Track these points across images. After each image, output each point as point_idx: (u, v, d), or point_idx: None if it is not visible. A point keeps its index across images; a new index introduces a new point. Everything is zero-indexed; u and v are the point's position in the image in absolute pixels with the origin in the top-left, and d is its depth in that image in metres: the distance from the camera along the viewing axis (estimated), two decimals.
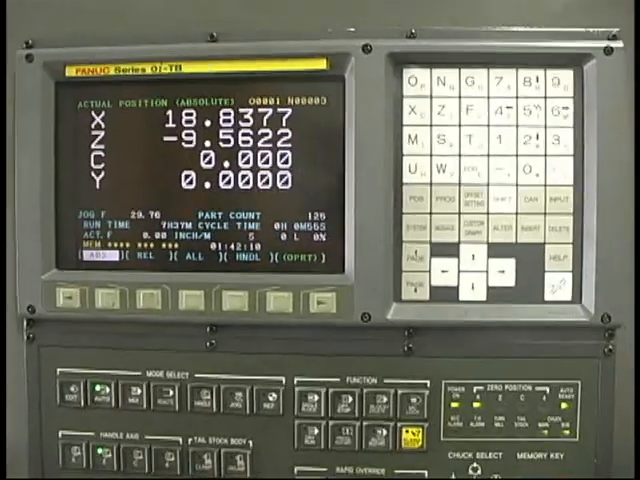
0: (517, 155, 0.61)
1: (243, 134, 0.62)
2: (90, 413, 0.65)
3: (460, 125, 0.61)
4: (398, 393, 0.62)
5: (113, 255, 0.64)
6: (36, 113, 0.62)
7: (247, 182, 0.62)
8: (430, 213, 0.61)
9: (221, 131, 0.62)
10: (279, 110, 0.62)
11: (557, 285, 0.61)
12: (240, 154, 0.62)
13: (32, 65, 0.62)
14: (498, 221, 0.61)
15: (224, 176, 0.63)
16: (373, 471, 0.64)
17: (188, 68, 0.62)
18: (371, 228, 0.60)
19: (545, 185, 0.61)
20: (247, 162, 0.62)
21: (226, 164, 0.62)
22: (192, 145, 0.63)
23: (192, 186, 0.63)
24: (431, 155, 0.61)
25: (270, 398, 0.64)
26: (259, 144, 0.62)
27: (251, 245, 0.63)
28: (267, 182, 0.62)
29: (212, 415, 0.64)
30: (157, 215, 0.63)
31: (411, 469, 0.63)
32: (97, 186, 0.64)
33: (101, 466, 0.65)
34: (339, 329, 0.62)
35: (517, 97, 0.61)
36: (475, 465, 0.63)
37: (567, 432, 0.62)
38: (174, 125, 0.63)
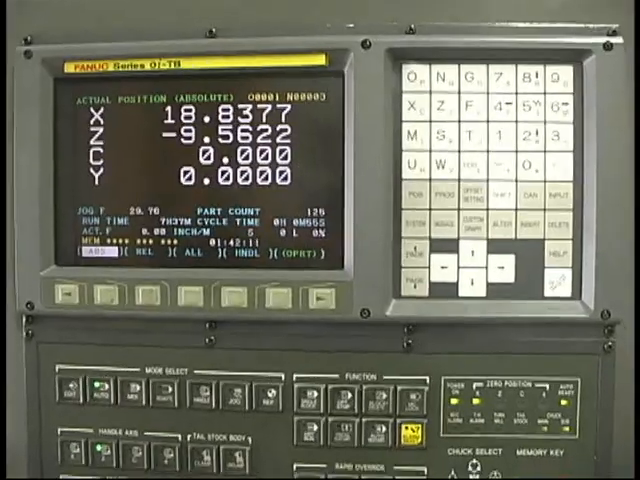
0: (517, 151, 0.61)
1: (242, 130, 0.62)
2: (89, 410, 0.65)
3: (460, 121, 0.61)
4: (397, 389, 0.62)
5: (112, 251, 0.64)
6: (35, 109, 0.62)
7: (246, 178, 0.62)
8: (429, 209, 0.61)
9: (220, 127, 0.62)
10: (278, 106, 0.62)
11: (557, 281, 0.61)
12: (239, 150, 0.62)
13: (31, 61, 0.62)
14: (498, 217, 0.61)
15: (223, 172, 0.62)
16: (372, 467, 0.63)
17: (187, 64, 0.62)
18: (370, 224, 0.60)
19: (545, 181, 0.61)
20: (246, 158, 0.62)
21: (225, 160, 0.62)
22: (191, 141, 0.63)
23: (191, 182, 0.63)
24: (430, 151, 0.61)
25: (269, 394, 0.63)
26: (258, 140, 0.62)
27: (250, 241, 0.63)
28: (266, 178, 0.62)
29: (211, 411, 0.64)
30: (156, 211, 0.63)
31: (410, 465, 0.63)
32: (96, 182, 0.64)
33: (100, 463, 0.65)
34: (338, 325, 0.62)
35: (517, 93, 0.61)
36: (475, 461, 0.63)
37: (567, 429, 0.62)
38: (173, 121, 0.63)
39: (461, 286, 0.62)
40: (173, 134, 0.63)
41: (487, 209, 0.61)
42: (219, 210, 0.63)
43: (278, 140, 0.62)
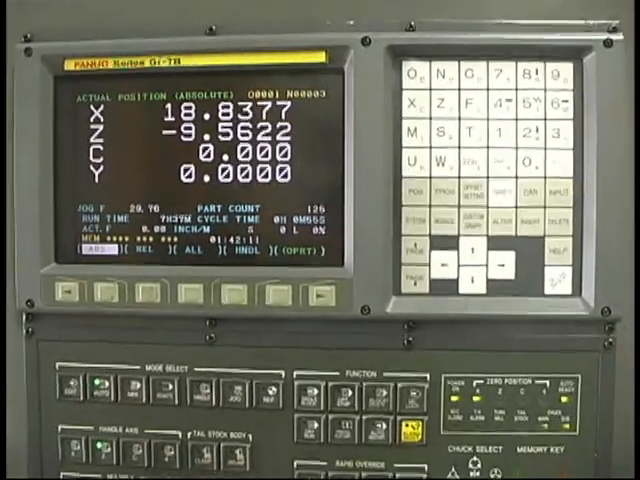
0: (517, 148, 0.61)
1: (242, 127, 0.62)
2: (89, 407, 0.65)
3: (460, 118, 0.61)
4: (398, 387, 0.62)
5: (112, 249, 0.64)
6: (35, 107, 0.62)
7: (246, 175, 0.62)
8: (429, 206, 0.61)
9: (220, 124, 0.62)
10: (278, 103, 0.62)
11: (557, 278, 0.61)
12: (239, 147, 0.62)
13: (31, 59, 0.62)
14: (498, 214, 0.61)
15: (223, 169, 0.62)
16: (373, 465, 0.63)
17: (187, 61, 0.62)
18: (370, 221, 0.60)
19: (545, 178, 0.61)
20: (246, 155, 0.62)
21: (225, 157, 0.62)
22: (191, 138, 0.62)
23: (191, 179, 0.63)
24: (430, 148, 0.61)
25: (269, 392, 0.63)
26: (258, 137, 0.62)
27: (250, 238, 0.63)
28: (266, 175, 0.62)
29: (211, 409, 0.64)
30: (156, 209, 0.63)
31: (411, 463, 0.63)
32: (96, 180, 0.64)
33: (100, 460, 0.65)
34: (338, 322, 0.62)
35: (517, 90, 0.61)
36: (475, 459, 0.63)
37: (567, 426, 0.62)
38: (173, 118, 0.63)
39: (461, 283, 0.62)
40: (173, 131, 0.63)
41: (487, 206, 0.61)
42: (219, 207, 0.63)
43: (278, 137, 0.62)
